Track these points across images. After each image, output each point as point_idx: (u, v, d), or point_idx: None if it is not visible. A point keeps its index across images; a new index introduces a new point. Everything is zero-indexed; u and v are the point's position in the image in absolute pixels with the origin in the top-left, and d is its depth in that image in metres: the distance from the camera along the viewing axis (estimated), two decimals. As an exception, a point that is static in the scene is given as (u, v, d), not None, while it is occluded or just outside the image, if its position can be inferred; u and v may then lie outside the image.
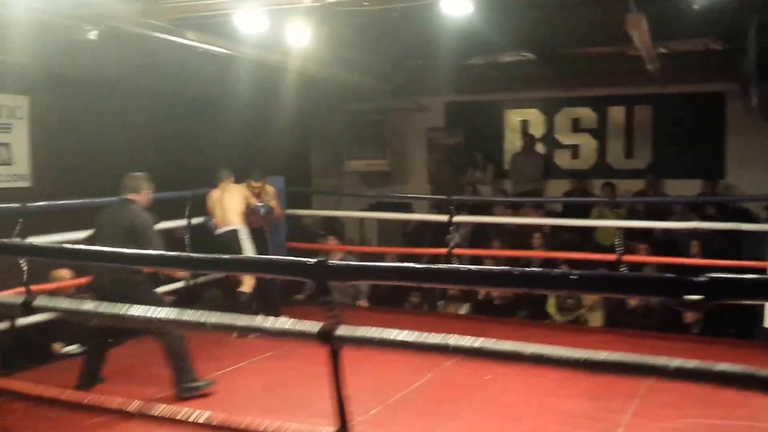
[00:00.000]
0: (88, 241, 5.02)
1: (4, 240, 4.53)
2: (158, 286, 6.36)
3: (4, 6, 4.76)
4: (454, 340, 2.44)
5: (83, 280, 5.68)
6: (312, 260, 2.65)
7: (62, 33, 5.49)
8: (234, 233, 6.71)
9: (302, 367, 4.78)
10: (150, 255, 3.21)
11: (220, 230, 6.79)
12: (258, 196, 7.09)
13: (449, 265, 6.30)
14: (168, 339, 4.56)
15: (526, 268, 2.48)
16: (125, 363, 5.36)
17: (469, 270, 2.48)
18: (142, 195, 4.79)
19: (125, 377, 5.12)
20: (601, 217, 8.50)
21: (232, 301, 6.69)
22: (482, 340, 2.40)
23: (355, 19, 5.58)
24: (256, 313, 6.74)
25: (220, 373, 5.17)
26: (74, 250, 3.46)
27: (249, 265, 3.26)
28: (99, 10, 5.09)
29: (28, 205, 5.45)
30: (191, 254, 3.33)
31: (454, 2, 5.11)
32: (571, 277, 2.29)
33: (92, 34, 5.24)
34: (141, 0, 4.90)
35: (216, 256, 2.99)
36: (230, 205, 6.80)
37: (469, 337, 2.44)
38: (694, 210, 8.12)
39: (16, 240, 5.03)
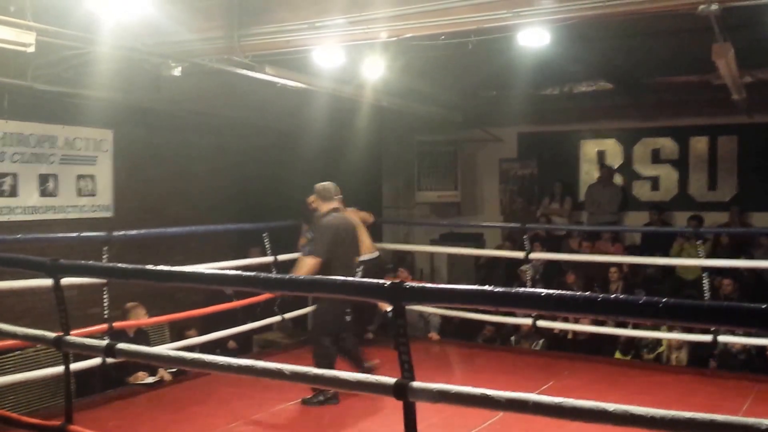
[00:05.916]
0: None
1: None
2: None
3: (93, 44, 4.97)
4: (534, 397, 2.39)
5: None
6: (387, 281, 2.68)
7: (147, 69, 5.70)
8: (379, 260, 6.89)
9: (368, 400, 4.75)
10: (227, 275, 3.20)
11: (367, 257, 6.72)
12: None
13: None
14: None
15: (610, 295, 2.35)
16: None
17: (549, 295, 2.37)
18: None
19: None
20: (681, 251, 8.17)
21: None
22: (562, 400, 2.31)
23: (429, 52, 5.58)
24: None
25: (291, 404, 5.20)
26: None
27: (324, 287, 3.18)
28: (183, 48, 5.27)
29: (114, 234, 5.62)
30: (263, 275, 3.29)
31: (532, 33, 5.03)
32: (659, 305, 2.14)
33: (176, 71, 5.41)
34: (223, 38, 5.03)
35: (287, 276, 2.98)
36: (365, 231, 6.88)
37: (548, 396, 2.38)
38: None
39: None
